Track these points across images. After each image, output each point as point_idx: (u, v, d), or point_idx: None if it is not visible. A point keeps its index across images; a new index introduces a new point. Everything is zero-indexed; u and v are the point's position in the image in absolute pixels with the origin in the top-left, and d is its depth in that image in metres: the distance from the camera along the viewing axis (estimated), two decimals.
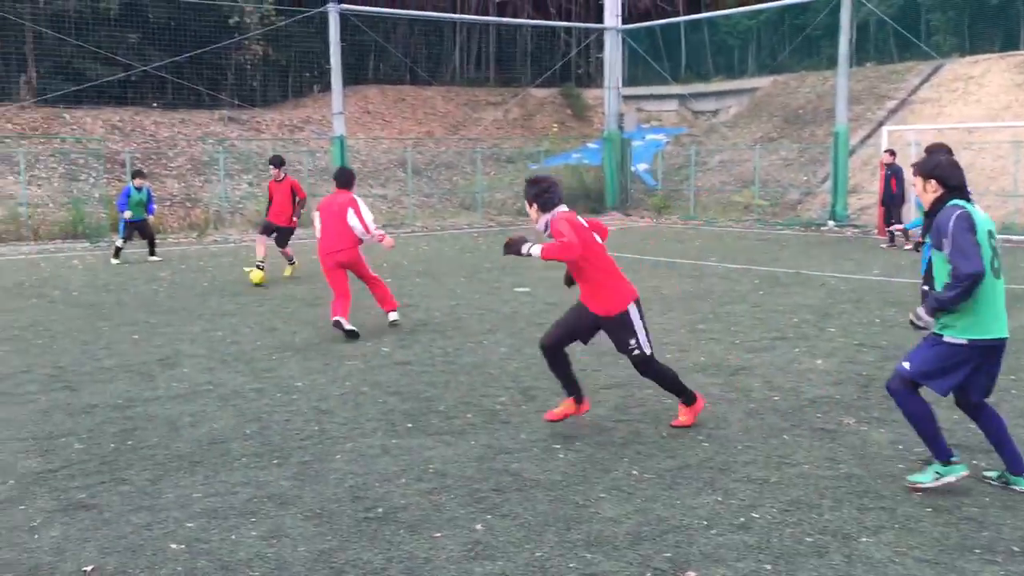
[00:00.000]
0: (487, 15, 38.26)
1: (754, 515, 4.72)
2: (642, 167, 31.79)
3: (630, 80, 32.67)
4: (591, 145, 32.72)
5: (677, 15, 36.53)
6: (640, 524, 4.62)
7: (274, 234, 14.62)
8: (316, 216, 10.03)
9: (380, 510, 4.85)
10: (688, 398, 6.29)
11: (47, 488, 5.25)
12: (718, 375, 7.82)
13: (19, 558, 4.32)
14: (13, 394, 7.47)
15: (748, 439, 6.02)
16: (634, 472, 5.39)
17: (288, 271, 14.92)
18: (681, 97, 33.42)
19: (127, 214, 17.19)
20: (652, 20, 33.85)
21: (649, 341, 6.09)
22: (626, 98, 31.86)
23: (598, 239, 6.13)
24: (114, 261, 17.39)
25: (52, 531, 4.64)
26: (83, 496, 5.12)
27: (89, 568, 4.19)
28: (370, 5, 27.35)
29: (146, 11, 29.53)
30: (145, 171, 19.89)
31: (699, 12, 35.97)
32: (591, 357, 8.55)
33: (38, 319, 11.12)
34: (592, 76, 38.66)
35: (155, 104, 30.09)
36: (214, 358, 8.77)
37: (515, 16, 38.97)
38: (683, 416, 6.29)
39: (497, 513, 4.79)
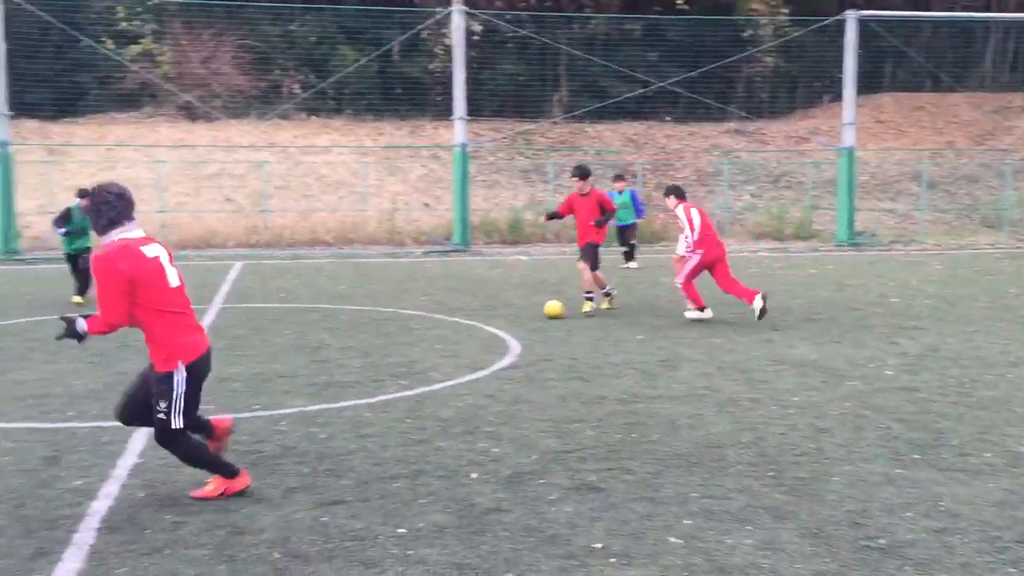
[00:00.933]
0: None
1: None
2: None
3: None
4: None
5: None
6: None
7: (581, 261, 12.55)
8: (696, 215, 11.70)
9: (882, 541, 4.58)
10: (227, 471, 5.22)
11: (563, 467, 5.80)
12: None
13: (539, 526, 4.82)
14: (537, 379, 8.37)
15: None
16: None
17: (605, 303, 12.73)
18: None
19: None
20: None
21: (181, 413, 5.01)
22: None
23: (173, 279, 5.02)
24: (632, 264, 18.69)
25: (567, 507, 5.10)
26: (593, 479, 5.57)
27: (598, 546, 4.54)
28: (891, 9, 25.94)
29: (666, 30, 31.19)
30: (625, 176, 20.57)
31: None
32: None
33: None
34: None
35: (667, 118, 31.68)
36: (711, 364, 8.98)
37: None
38: (211, 484, 5.21)
39: (1022, 567, 4.25)
